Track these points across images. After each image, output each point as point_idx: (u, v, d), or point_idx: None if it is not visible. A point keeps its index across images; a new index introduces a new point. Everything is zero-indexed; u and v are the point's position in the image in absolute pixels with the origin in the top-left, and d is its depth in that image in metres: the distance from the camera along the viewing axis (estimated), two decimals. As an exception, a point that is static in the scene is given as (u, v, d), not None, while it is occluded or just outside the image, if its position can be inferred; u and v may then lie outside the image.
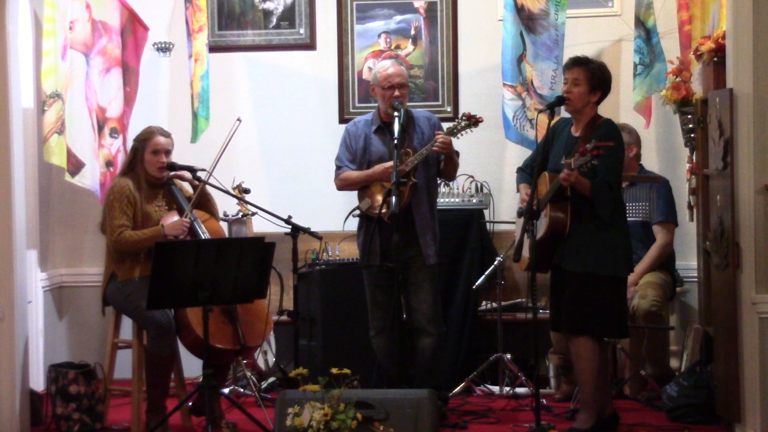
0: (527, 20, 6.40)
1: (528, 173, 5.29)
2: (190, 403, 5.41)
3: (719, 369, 5.30)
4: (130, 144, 5.67)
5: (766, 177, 4.93)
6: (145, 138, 5.48)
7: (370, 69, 6.79)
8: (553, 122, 5.32)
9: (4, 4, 5.19)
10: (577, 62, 5.15)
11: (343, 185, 5.67)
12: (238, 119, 5.70)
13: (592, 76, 5.09)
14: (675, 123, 6.38)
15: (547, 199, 5.04)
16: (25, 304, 5.49)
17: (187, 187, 5.62)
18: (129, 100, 6.46)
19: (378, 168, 5.49)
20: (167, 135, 5.51)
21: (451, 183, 6.22)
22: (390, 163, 5.34)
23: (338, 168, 5.65)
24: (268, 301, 5.40)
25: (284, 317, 5.76)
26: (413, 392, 4.86)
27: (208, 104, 6.58)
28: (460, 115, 5.55)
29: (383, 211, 5.35)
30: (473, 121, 5.42)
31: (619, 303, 5.13)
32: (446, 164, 5.50)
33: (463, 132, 5.45)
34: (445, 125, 5.59)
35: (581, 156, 4.79)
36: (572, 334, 5.11)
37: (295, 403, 4.61)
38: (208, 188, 5.57)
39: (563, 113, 5.44)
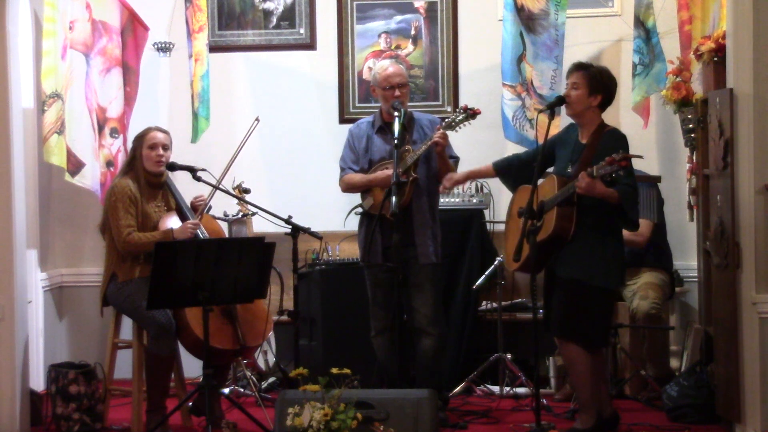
0: (527, 20, 6.39)
1: (499, 169, 5.37)
2: (190, 403, 5.41)
3: (719, 369, 5.30)
4: (130, 144, 5.68)
5: (766, 177, 4.93)
6: (142, 135, 5.51)
7: (370, 69, 6.79)
8: (552, 123, 5.30)
9: (4, 4, 5.19)
10: (578, 67, 5.17)
11: (346, 188, 5.69)
12: (257, 119, 5.79)
13: (591, 78, 5.09)
14: (675, 123, 6.38)
15: (554, 204, 5.02)
16: (25, 304, 5.49)
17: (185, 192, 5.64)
18: (129, 100, 6.47)
19: (379, 174, 5.48)
20: (164, 131, 5.54)
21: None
22: (390, 171, 5.33)
23: (342, 170, 5.65)
24: (268, 301, 5.40)
25: (284, 317, 5.75)
26: (413, 392, 4.85)
27: (209, 104, 6.58)
28: (458, 108, 5.49)
29: (384, 210, 5.34)
30: (471, 113, 5.35)
31: (605, 314, 5.14)
32: (439, 167, 5.47)
33: (461, 125, 5.40)
34: (446, 123, 5.58)
35: (608, 165, 4.76)
36: (561, 338, 5.12)
37: (295, 403, 4.61)
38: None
39: (563, 114, 5.43)
